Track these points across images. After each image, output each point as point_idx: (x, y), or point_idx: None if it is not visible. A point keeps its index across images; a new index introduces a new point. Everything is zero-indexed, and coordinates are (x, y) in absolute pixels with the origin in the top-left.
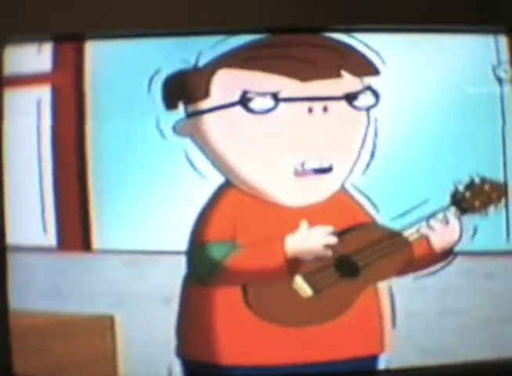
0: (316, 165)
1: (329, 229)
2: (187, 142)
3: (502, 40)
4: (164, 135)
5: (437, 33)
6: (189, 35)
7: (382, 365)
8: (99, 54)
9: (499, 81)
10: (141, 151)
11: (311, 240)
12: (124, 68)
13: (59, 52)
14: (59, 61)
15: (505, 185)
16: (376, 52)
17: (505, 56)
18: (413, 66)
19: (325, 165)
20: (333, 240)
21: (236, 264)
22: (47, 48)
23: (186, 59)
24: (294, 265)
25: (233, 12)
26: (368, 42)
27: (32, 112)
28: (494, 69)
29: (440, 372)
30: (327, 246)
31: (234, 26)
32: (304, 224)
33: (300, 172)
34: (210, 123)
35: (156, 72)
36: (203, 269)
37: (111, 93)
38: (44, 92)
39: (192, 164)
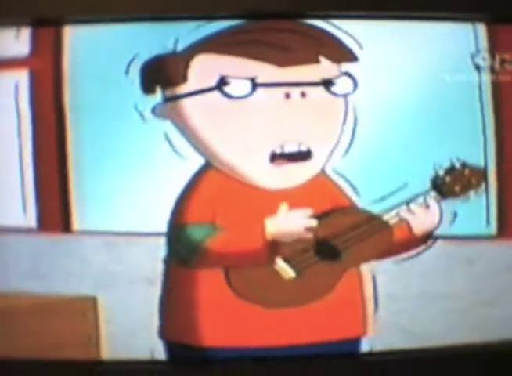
0: (294, 149)
1: (309, 211)
2: (167, 125)
3: (481, 28)
4: (144, 118)
5: (415, 20)
6: (167, 20)
7: (365, 348)
8: (77, 38)
9: (478, 68)
10: (120, 133)
11: (291, 222)
12: (103, 52)
13: (37, 37)
14: (37, 45)
15: (485, 170)
16: (354, 39)
17: (483, 43)
18: (392, 52)
19: (303, 149)
20: (313, 222)
21: (215, 246)
22: (25, 33)
23: (164, 43)
24: (275, 247)
25: None
26: (346, 29)
27: (10, 95)
28: (473, 56)
29: (423, 355)
30: (307, 228)
31: (212, 11)
32: (283, 207)
33: (278, 156)
34: (189, 107)
35: (134, 56)
36: (182, 251)
37: (89, 77)
38: (22, 76)
39: (172, 146)
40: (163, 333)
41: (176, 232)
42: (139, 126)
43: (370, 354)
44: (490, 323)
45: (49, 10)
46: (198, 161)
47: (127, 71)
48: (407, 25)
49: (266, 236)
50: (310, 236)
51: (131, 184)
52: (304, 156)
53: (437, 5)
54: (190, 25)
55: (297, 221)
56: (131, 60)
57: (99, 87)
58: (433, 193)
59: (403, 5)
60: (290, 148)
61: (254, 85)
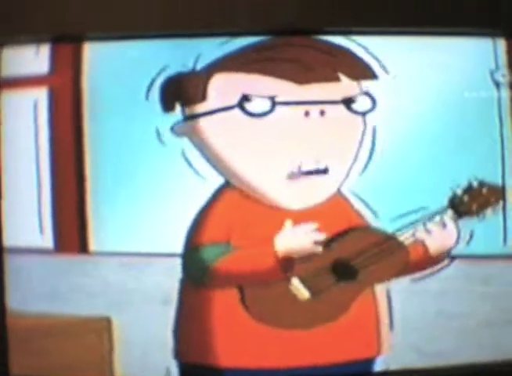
0: (312, 167)
1: (314, 226)
2: (185, 144)
3: (501, 44)
4: (162, 138)
5: (435, 36)
6: (187, 38)
7: (379, 367)
8: (96, 56)
9: (497, 85)
10: (138, 153)
11: (297, 237)
12: (122, 70)
13: (57, 54)
14: (56, 63)
15: (503, 188)
16: (374, 56)
17: (503, 60)
18: (411, 69)
19: (321, 167)
20: (320, 236)
21: (228, 265)
22: (45, 50)
23: (184, 61)
24: (287, 264)
25: (232, 15)
26: (366, 45)
27: (29, 114)
28: (492, 73)
29: (438, 374)
30: (315, 243)
31: (232, 28)
32: (288, 223)
33: (296, 175)
34: (208, 125)
35: (154, 74)
36: (195, 271)
37: (109, 95)
38: (41, 94)
39: (190, 165)
40: (177, 353)
41: (191, 252)
42: (158, 146)
43: (385, 374)
44: (506, 343)
45: (69, 27)
46: (216, 181)
47: (146, 90)
48: (426, 41)
49: (277, 253)
50: (319, 250)
51: (148, 205)
52: (321, 174)
53: (456, 20)
54: (210, 43)
55: (303, 235)
56: (151, 78)
57: (118, 105)
58: (450, 212)
59: (422, 21)
60: (308, 166)
61: (274, 103)
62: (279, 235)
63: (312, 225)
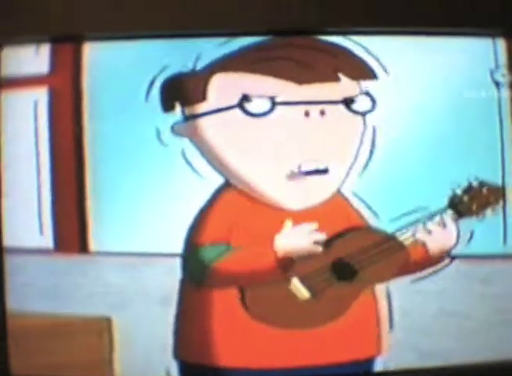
0: (312, 167)
1: (314, 225)
2: (185, 144)
3: (501, 44)
4: (162, 137)
5: (435, 36)
6: (186, 38)
7: (379, 367)
8: (96, 56)
9: (497, 85)
10: (138, 153)
11: (297, 237)
12: (122, 70)
13: (57, 54)
14: (56, 62)
15: (503, 188)
16: (375, 56)
17: (503, 60)
18: (411, 69)
19: (321, 167)
20: (320, 236)
21: (228, 266)
22: (45, 50)
23: (184, 61)
24: (287, 265)
25: (232, 15)
26: (366, 46)
27: (29, 114)
28: (492, 73)
29: (437, 374)
30: (315, 242)
31: (232, 29)
32: (288, 223)
33: (296, 175)
34: (208, 125)
35: (154, 74)
36: (196, 271)
37: (109, 95)
38: (41, 94)
39: (190, 166)
40: (178, 353)
41: (191, 252)
42: (158, 146)
43: (385, 373)
44: (506, 342)
45: (69, 27)
46: (216, 181)
47: (146, 90)
48: (426, 41)
49: (276, 253)
50: (319, 250)
51: (148, 205)
52: (321, 174)
53: (456, 21)
54: (210, 43)
55: (302, 235)
56: (151, 79)
57: (118, 105)
58: (450, 212)
59: (422, 21)
60: (308, 166)
61: (274, 103)
62: (279, 235)
63: (312, 225)
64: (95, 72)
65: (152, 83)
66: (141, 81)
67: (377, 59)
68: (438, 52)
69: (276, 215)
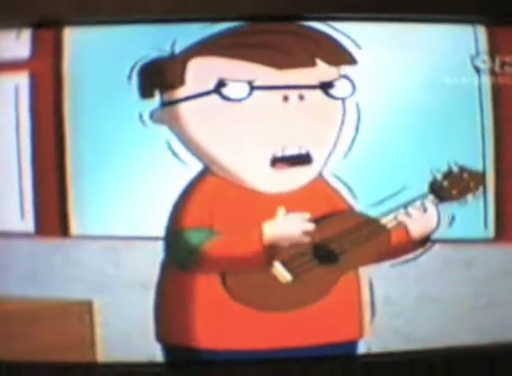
0: (293, 152)
1: (306, 215)
2: (165, 129)
3: (481, 30)
4: (143, 122)
5: (415, 22)
6: (165, 22)
7: (362, 350)
8: (77, 41)
9: (478, 71)
10: (119, 138)
11: (289, 226)
12: (103, 55)
13: (38, 39)
14: (37, 47)
15: (483, 173)
16: (353, 41)
17: (483, 46)
18: (391, 55)
19: (302, 152)
20: (310, 226)
21: (213, 251)
22: (25, 35)
23: (161, 46)
24: (272, 251)
25: (210, 1)
26: (345, 31)
27: (10, 99)
28: (472, 59)
29: (419, 357)
30: (304, 232)
31: (210, 13)
32: (281, 211)
33: (276, 159)
34: (187, 111)
35: (135, 59)
36: (180, 256)
37: (90, 80)
38: (22, 79)
39: (171, 151)
40: (160, 335)
41: (174, 236)
42: (138, 131)
43: (367, 356)
44: (487, 326)
45: (49, 12)
46: (196, 166)
47: (126, 74)
48: (407, 27)
49: (264, 241)
50: (307, 239)
51: (129, 188)
52: (304, 159)
53: (437, 7)
54: (188, 28)
55: (294, 225)
56: (132, 64)
57: (99, 90)
58: (431, 197)
59: (403, 8)
60: (290, 151)
61: (252, 88)
62: (269, 222)
63: (304, 215)
64: (76, 57)
65: (133, 68)
66: (121, 66)
67: (357, 45)
68: (418, 38)
69: (258, 200)
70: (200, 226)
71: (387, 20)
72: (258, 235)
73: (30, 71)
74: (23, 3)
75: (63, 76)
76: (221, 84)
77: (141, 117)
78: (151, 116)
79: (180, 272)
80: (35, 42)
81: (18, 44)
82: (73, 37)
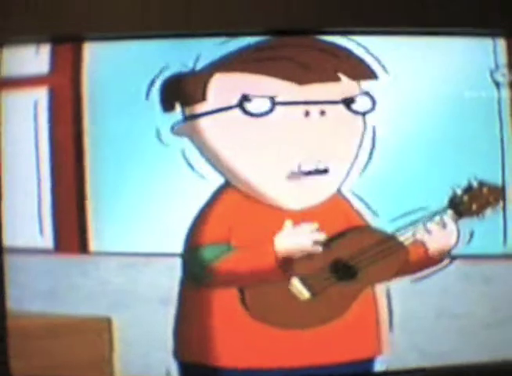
0: (312, 167)
1: (315, 225)
2: (185, 144)
3: (501, 43)
4: (162, 138)
5: (435, 36)
6: (187, 38)
7: (380, 367)
8: (96, 56)
9: (497, 84)
10: (139, 153)
11: (298, 237)
12: (122, 70)
13: (57, 54)
14: (56, 62)
15: (503, 188)
16: (375, 56)
17: (503, 59)
18: (411, 69)
19: (321, 167)
20: (321, 236)
21: (228, 266)
22: (45, 50)
23: (184, 61)
24: (287, 265)
25: (232, 15)
26: (366, 45)
27: (29, 114)
28: (492, 73)
29: (438, 373)
30: (315, 242)
31: (233, 28)
32: (288, 223)
33: (296, 175)
34: (208, 125)
35: (154, 74)
36: (196, 271)
37: (109, 95)
38: (41, 94)
39: (190, 166)
40: (178, 353)
41: (192, 251)
42: (158, 146)
43: (385, 373)
44: (506, 343)
45: (69, 27)
46: (216, 181)
47: (147, 89)
48: (426, 41)
49: (277, 253)
50: (319, 250)
51: (149, 205)
52: (321, 174)
53: (456, 20)
54: (210, 43)
55: (303, 235)
56: (151, 78)
57: (118, 105)
58: (450, 212)
59: (423, 21)
60: (308, 167)
61: (274, 103)
62: (279, 235)
63: (313, 225)
64: (95, 72)
65: (152, 83)
66: (141, 81)
67: (377, 59)
68: (438, 52)
69: (276, 215)
70: (218, 242)
71: (407, 34)
72: (271, 249)
73: (50, 86)
74: (43, 18)
75: (82, 91)
76: (244, 99)
77: (160, 132)
78: (172, 129)
79: (198, 289)
80: (54, 57)
81: (37, 59)
82: (93, 52)
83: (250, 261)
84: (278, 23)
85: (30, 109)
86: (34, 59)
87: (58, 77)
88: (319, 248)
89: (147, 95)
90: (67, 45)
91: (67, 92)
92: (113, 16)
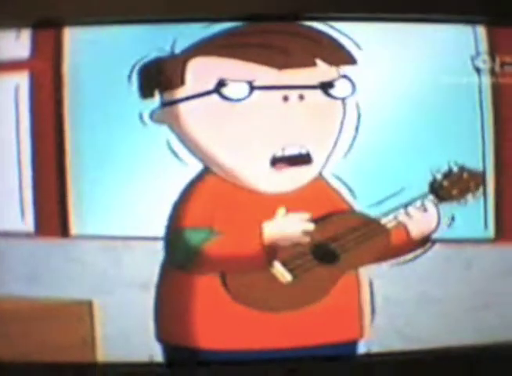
0: (293, 152)
1: (306, 215)
2: (166, 129)
3: (482, 30)
4: (144, 122)
5: (415, 22)
6: (165, 22)
7: (362, 350)
8: (77, 40)
9: (478, 71)
10: (119, 137)
11: (289, 226)
12: (103, 55)
13: (38, 39)
14: (37, 47)
15: (483, 173)
16: (353, 41)
17: (484, 46)
18: (391, 55)
19: (302, 152)
20: (310, 226)
21: (213, 251)
22: (25, 35)
23: (162, 46)
24: (272, 251)
25: (211, 0)
26: (345, 31)
27: (10, 98)
28: (473, 59)
29: (419, 357)
30: (304, 232)
31: (211, 13)
32: (281, 211)
33: (276, 159)
34: (187, 111)
35: (135, 59)
36: (180, 256)
37: (90, 80)
38: (22, 79)
39: (171, 151)
40: (160, 335)
41: (174, 236)
42: (138, 130)
43: (367, 356)
44: (487, 326)
45: (50, 12)
46: (197, 166)
47: (126, 75)
48: (407, 27)
49: (264, 240)
50: (307, 239)
51: (130, 188)
52: (304, 159)
53: (437, 7)
54: (188, 27)
55: (294, 225)
56: (132, 63)
57: (99, 90)
58: (431, 197)
59: (403, 8)
60: (291, 151)
61: (252, 88)
62: (268, 223)
63: (304, 215)
64: (77, 57)
65: (133, 68)
66: (122, 66)
67: (357, 45)
68: (418, 39)
69: (258, 200)
70: (200, 226)
71: (387, 20)
72: (258, 235)
73: (30, 71)
74: (23, 3)
75: (63, 76)
76: (221, 84)
77: (141, 117)
78: (151, 116)
79: (180, 273)
80: (35, 42)
81: (18, 44)
82: (73, 37)
83: (235, 246)
84: (257, 8)
85: (11, 94)
86: (15, 44)
87: (39, 61)
88: (307, 238)
89: (128, 80)
90: (48, 29)
91: (48, 77)
92: (94, 1)
